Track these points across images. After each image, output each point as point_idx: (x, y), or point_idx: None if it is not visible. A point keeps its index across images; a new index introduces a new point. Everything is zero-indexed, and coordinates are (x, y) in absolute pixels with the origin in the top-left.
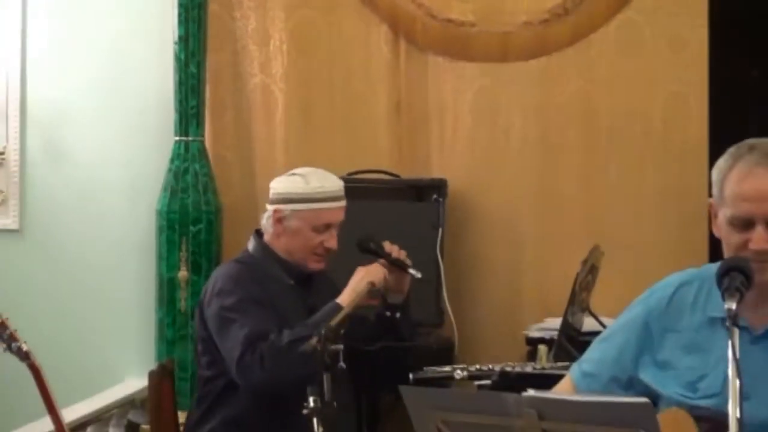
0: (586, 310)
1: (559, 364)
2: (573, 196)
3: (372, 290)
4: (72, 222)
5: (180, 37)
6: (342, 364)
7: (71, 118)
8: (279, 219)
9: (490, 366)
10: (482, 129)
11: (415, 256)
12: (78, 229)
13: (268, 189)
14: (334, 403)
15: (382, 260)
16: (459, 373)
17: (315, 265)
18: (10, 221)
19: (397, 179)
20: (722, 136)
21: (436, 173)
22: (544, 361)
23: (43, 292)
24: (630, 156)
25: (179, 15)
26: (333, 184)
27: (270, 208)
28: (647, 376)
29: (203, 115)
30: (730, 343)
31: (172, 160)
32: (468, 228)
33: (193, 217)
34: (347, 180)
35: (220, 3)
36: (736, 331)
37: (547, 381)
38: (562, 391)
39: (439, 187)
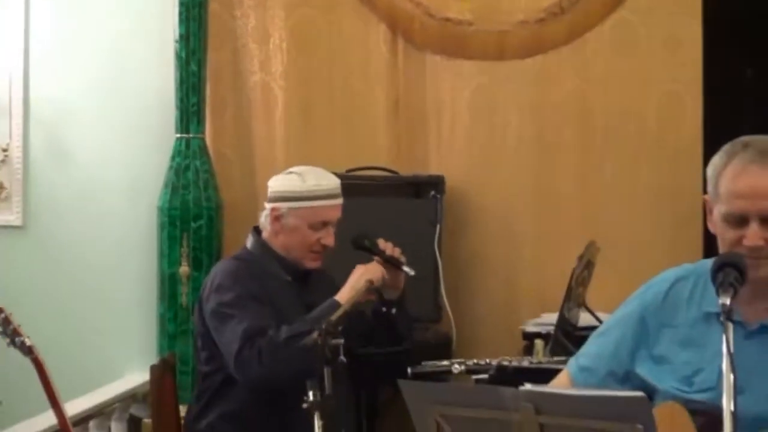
0: (582, 305)
1: (556, 358)
2: (569, 194)
3: (370, 288)
4: (74, 218)
5: (181, 36)
6: (342, 358)
7: (73, 115)
8: (277, 217)
9: (488, 360)
10: (479, 127)
11: (413, 252)
12: (80, 225)
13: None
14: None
15: (376, 257)
16: (457, 368)
17: (312, 263)
18: (13, 217)
19: (395, 176)
20: (717, 135)
21: (434, 170)
22: (540, 356)
23: (46, 288)
24: (625, 154)
25: (180, 14)
26: (330, 182)
27: (268, 206)
28: (643, 370)
29: (204, 112)
30: (724, 337)
31: (173, 157)
32: (465, 224)
33: (193, 214)
34: (346, 177)
35: (220, 2)
36: (731, 326)
37: (544, 375)
38: (559, 385)
39: (436, 183)
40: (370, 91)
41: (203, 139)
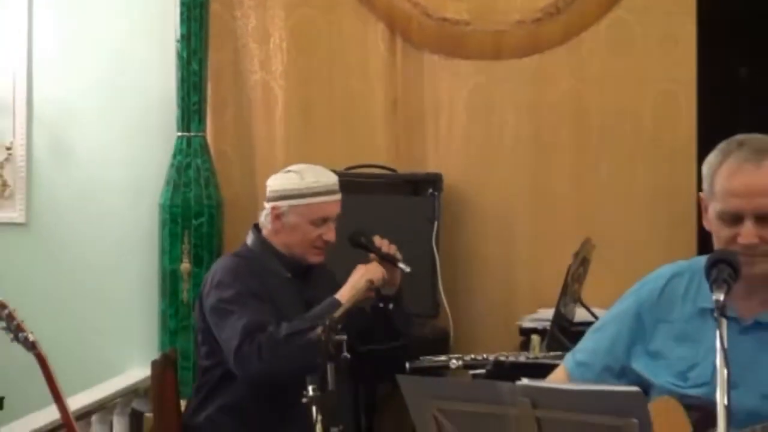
0: (578, 301)
1: (552, 353)
2: (565, 192)
3: (370, 288)
4: (77, 215)
5: (182, 36)
6: (346, 354)
7: (76, 114)
8: (277, 215)
9: (485, 355)
10: (477, 125)
11: (411, 248)
12: (83, 222)
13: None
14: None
15: (372, 254)
16: (454, 363)
17: (315, 258)
18: (16, 215)
19: (393, 174)
20: (711, 134)
21: (431, 169)
22: (537, 351)
23: (49, 284)
24: (621, 153)
25: (181, 14)
26: (328, 178)
27: (268, 205)
28: (639, 365)
29: (205, 111)
30: (718, 333)
31: (174, 156)
32: (463, 222)
33: (195, 211)
34: (345, 174)
35: (221, 2)
36: (724, 322)
37: (540, 370)
38: (556, 380)
39: (434, 181)
40: (369, 90)
41: (204, 138)
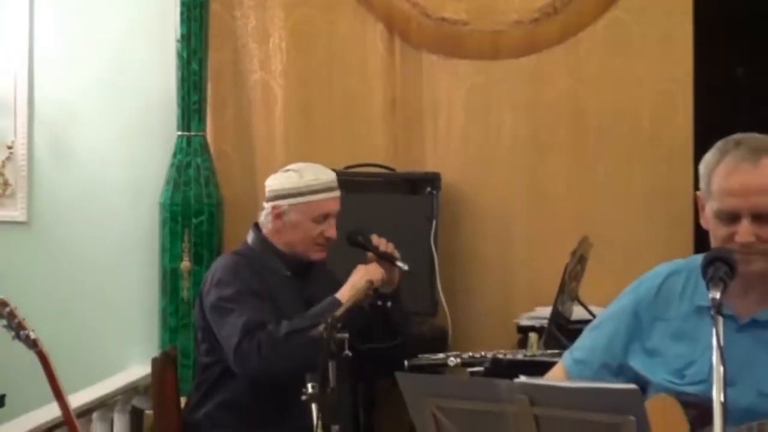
0: (575, 299)
1: (549, 351)
2: (562, 191)
3: (370, 288)
4: (78, 214)
5: (182, 36)
6: (347, 352)
7: (77, 114)
8: (278, 215)
9: (483, 353)
10: (475, 125)
11: (409, 247)
12: (84, 221)
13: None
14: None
15: (370, 253)
16: (453, 361)
17: (317, 255)
18: (18, 213)
19: (391, 173)
20: (708, 134)
21: (430, 168)
22: (534, 349)
23: (50, 282)
24: (618, 153)
25: (181, 14)
26: (327, 175)
27: (268, 205)
28: (637, 363)
29: (205, 110)
30: (714, 330)
31: (174, 155)
32: (461, 220)
33: (195, 210)
34: (344, 173)
35: (221, 2)
36: (720, 320)
37: (538, 368)
38: (554, 377)
39: (432, 180)
40: (367, 90)
41: (204, 137)
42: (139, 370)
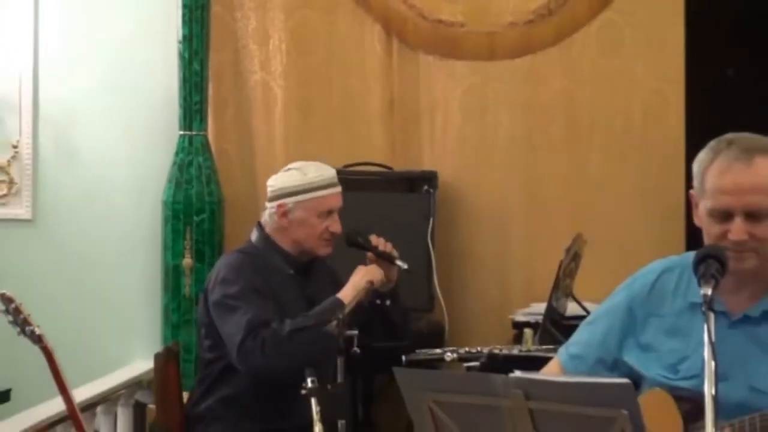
0: (570, 295)
1: (544, 346)
2: (557, 188)
3: (370, 288)
4: (82, 212)
5: (184, 37)
6: (356, 348)
7: (81, 113)
8: (284, 213)
9: (479, 348)
10: (471, 124)
11: (407, 244)
12: (87, 219)
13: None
14: (328, 386)
15: (369, 253)
16: (449, 356)
17: (324, 250)
18: (23, 211)
19: (389, 171)
20: (699, 133)
21: (427, 167)
22: (529, 344)
23: (54, 279)
24: (611, 152)
25: (183, 16)
26: (328, 172)
27: (272, 204)
28: (631, 358)
29: (206, 110)
30: (705, 326)
31: (176, 154)
32: (458, 218)
33: (196, 208)
34: (342, 172)
35: (222, 4)
36: (712, 316)
37: (533, 363)
38: (550, 372)
39: (429, 179)
40: (366, 90)
41: (206, 136)
42: (141, 365)
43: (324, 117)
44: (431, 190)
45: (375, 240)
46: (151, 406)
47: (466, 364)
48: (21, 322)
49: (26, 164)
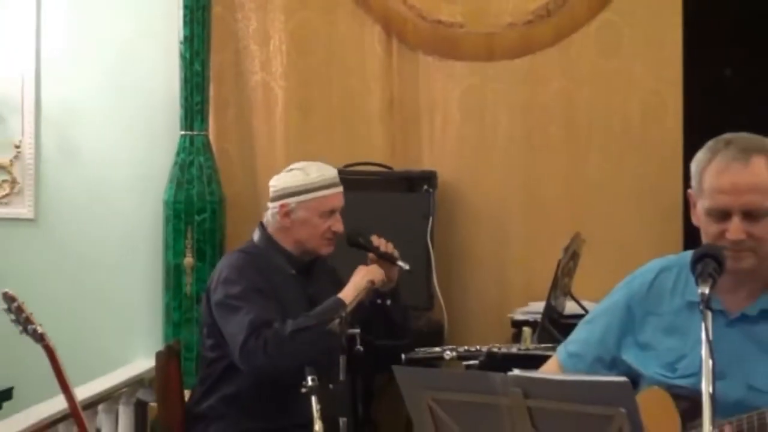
0: (568, 294)
1: (543, 345)
2: (555, 189)
3: (371, 288)
4: (84, 211)
5: (185, 38)
6: (359, 347)
7: (83, 114)
8: (287, 213)
9: (478, 347)
10: (470, 125)
11: (406, 243)
12: (89, 218)
13: (268, 180)
14: (330, 386)
15: (371, 254)
16: (448, 354)
17: (326, 250)
18: (25, 210)
19: (389, 171)
20: (697, 133)
21: (426, 167)
22: (528, 343)
23: (56, 278)
24: (609, 152)
25: (184, 16)
26: (330, 172)
27: (275, 204)
28: (629, 356)
29: (207, 111)
30: (703, 325)
31: (178, 154)
32: (457, 217)
33: (197, 207)
34: (342, 172)
35: (223, 5)
36: (709, 314)
37: (532, 361)
38: (549, 370)
39: (429, 178)
40: (366, 91)
41: (207, 137)
42: (143, 363)
43: (324, 117)
44: (431, 190)
45: (376, 241)
46: (153, 405)
47: (465, 363)
48: (23, 321)
49: (29, 164)
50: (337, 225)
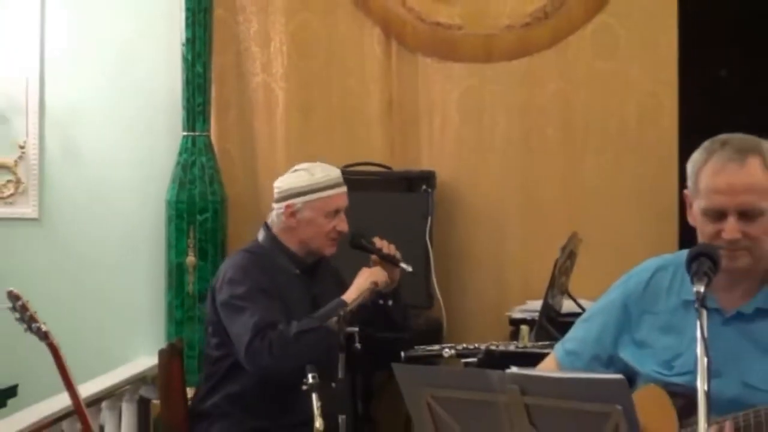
0: (565, 292)
1: (540, 343)
2: (553, 189)
3: (374, 290)
4: (87, 211)
5: (187, 40)
6: (358, 345)
7: (86, 115)
8: (292, 213)
9: (476, 345)
10: (468, 126)
11: (405, 243)
12: (93, 218)
13: (269, 180)
14: (333, 384)
15: (373, 256)
16: (447, 352)
17: (330, 249)
18: (29, 210)
19: (388, 171)
20: (693, 134)
21: (425, 167)
22: (526, 341)
23: (60, 277)
24: (606, 153)
25: (186, 19)
26: (334, 172)
27: (280, 205)
28: (626, 354)
29: (209, 112)
30: (698, 323)
31: (180, 154)
32: (455, 217)
33: (199, 207)
34: (343, 172)
35: (224, 7)
36: (704, 312)
37: (529, 359)
38: (546, 368)
39: (428, 178)
40: (365, 92)
41: (208, 137)
42: (146, 361)
43: (324, 118)
44: (429, 190)
45: (379, 242)
46: (156, 402)
47: (463, 360)
48: (27, 319)
49: (33, 164)
50: (342, 225)
